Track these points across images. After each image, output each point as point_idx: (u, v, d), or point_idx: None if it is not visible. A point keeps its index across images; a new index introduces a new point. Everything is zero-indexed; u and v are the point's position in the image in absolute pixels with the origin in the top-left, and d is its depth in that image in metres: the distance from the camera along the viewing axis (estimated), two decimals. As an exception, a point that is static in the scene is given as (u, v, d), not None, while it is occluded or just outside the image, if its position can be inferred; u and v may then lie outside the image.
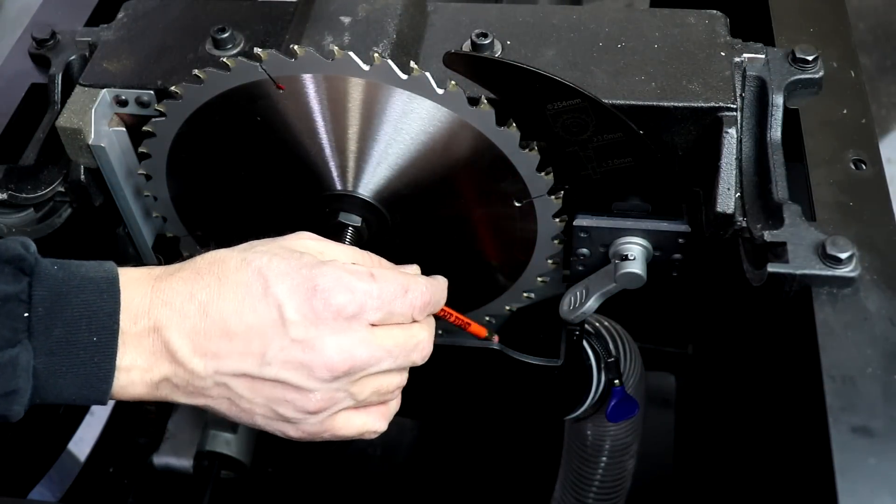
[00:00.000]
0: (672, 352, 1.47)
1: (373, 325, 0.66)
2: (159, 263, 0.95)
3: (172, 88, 0.76)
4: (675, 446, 1.42)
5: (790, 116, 0.80)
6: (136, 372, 0.63)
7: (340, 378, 0.66)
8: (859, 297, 0.68)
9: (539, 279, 0.86)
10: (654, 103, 0.76)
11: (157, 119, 0.78)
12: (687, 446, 1.37)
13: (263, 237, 0.87)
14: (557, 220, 0.80)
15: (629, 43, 0.81)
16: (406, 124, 0.74)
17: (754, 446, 0.91)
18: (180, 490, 1.26)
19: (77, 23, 0.97)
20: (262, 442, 1.31)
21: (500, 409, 1.04)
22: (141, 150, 0.81)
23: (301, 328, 0.63)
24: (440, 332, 0.95)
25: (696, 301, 1.30)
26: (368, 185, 0.79)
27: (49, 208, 0.89)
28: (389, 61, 0.71)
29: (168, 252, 0.95)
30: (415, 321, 0.70)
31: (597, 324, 1.05)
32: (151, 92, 0.82)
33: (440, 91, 0.71)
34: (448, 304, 0.92)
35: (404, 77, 0.71)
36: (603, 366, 1.01)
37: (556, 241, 0.82)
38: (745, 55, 0.81)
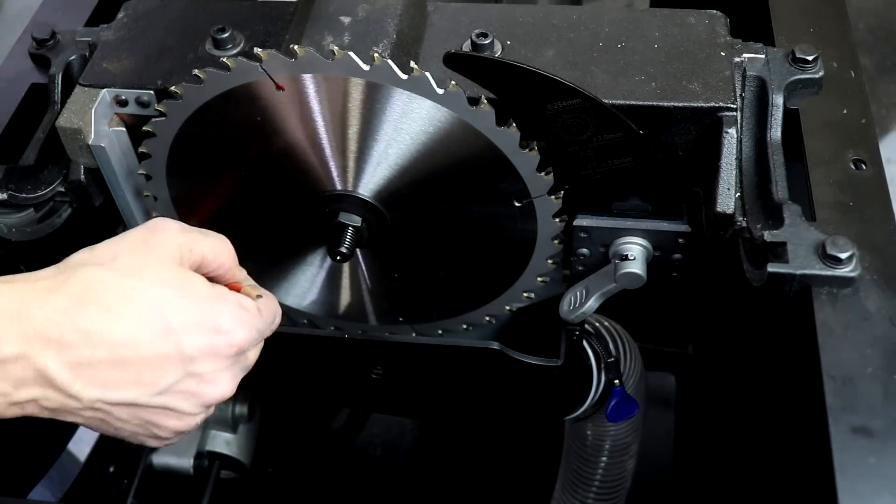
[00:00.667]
0: (672, 352, 1.48)
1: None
2: None
3: (172, 88, 0.76)
4: (675, 446, 1.42)
5: (790, 116, 0.80)
6: (9, 407, 0.61)
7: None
8: (859, 297, 0.68)
9: (539, 279, 0.86)
10: (654, 103, 0.76)
11: (157, 119, 0.78)
12: (687, 446, 1.37)
13: (263, 237, 0.88)
14: (557, 220, 0.80)
15: (629, 43, 0.81)
16: (406, 124, 0.74)
17: (754, 446, 0.91)
18: (180, 490, 1.26)
19: (77, 23, 0.97)
20: (262, 442, 1.32)
21: (500, 409, 1.04)
22: (141, 150, 0.81)
23: (200, 364, 0.64)
24: (440, 332, 0.95)
25: (696, 301, 1.30)
26: (368, 185, 0.79)
27: (49, 208, 0.89)
28: (389, 61, 0.71)
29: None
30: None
31: (597, 324, 1.05)
32: (151, 92, 0.82)
33: (440, 91, 0.71)
34: (448, 304, 0.92)
35: (404, 77, 0.71)
36: (603, 366, 1.01)
37: (556, 241, 0.82)
38: (745, 55, 0.81)
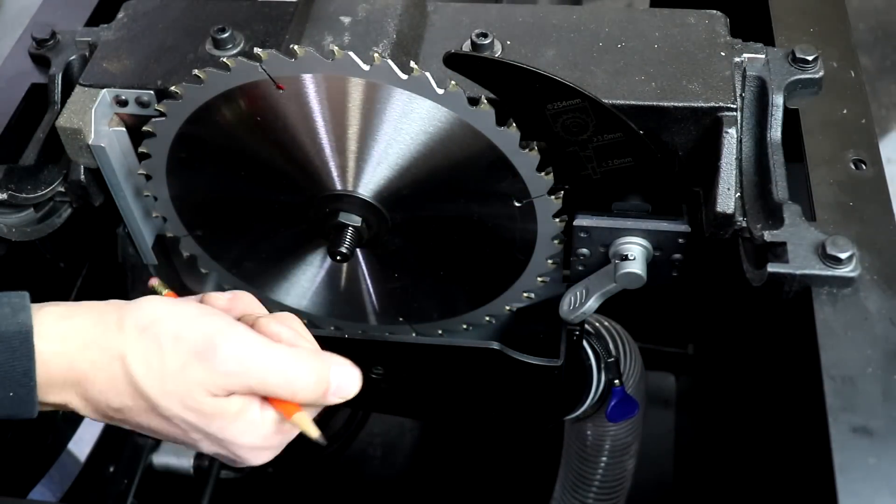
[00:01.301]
0: (672, 352, 1.48)
1: None
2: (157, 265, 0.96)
3: (172, 88, 0.76)
4: (675, 446, 1.42)
5: (790, 116, 0.80)
6: (48, 407, 0.65)
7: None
8: (859, 297, 0.68)
9: (539, 279, 0.86)
10: (654, 103, 0.76)
11: (157, 119, 0.78)
12: (687, 446, 1.37)
13: (263, 237, 0.88)
14: (557, 220, 0.80)
15: (629, 43, 0.81)
16: (406, 124, 0.74)
17: (754, 446, 0.91)
18: (180, 490, 1.26)
19: (77, 23, 0.97)
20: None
21: (501, 410, 1.04)
22: (141, 150, 0.81)
23: (216, 446, 0.66)
24: (440, 332, 0.95)
25: (696, 301, 1.30)
26: (368, 185, 0.79)
27: (49, 208, 0.89)
28: (389, 61, 0.71)
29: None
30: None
31: (597, 324, 1.05)
32: (151, 92, 0.81)
33: (440, 91, 0.71)
34: (448, 304, 0.92)
35: (404, 77, 0.71)
36: (603, 366, 1.01)
37: (556, 241, 0.82)
38: (745, 55, 0.81)
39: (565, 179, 0.79)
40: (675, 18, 0.83)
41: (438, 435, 1.52)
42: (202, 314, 0.65)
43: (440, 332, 0.95)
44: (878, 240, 0.71)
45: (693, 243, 0.82)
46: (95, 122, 0.82)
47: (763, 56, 0.82)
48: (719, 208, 0.75)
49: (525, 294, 0.88)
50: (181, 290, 1.01)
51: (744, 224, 0.75)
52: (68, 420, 1.10)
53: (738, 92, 0.79)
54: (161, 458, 1.24)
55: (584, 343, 1.00)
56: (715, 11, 0.84)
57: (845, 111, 0.81)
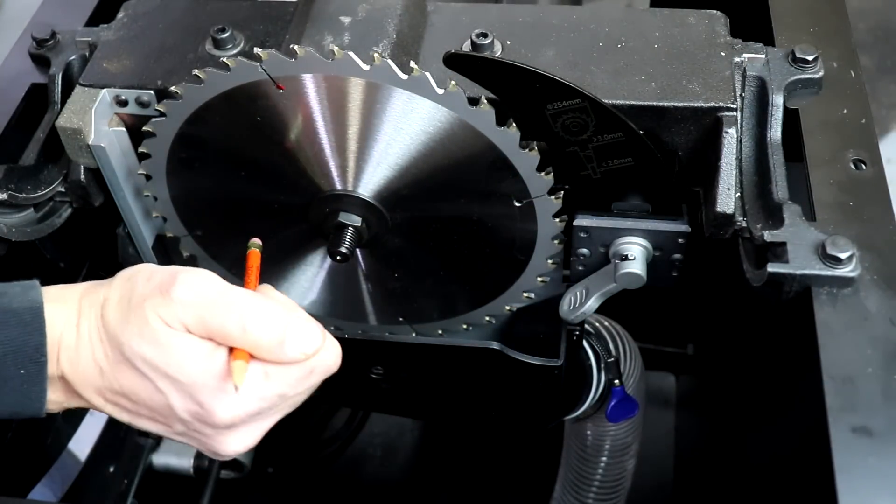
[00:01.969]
0: (672, 352, 1.48)
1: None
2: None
3: (172, 88, 0.76)
4: (675, 446, 1.43)
5: (790, 116, 0.80)
6: (51, 405, 0.65)
7: (252, 446, 0.68)
8: (859, 297, 0.68)
9: (539, 279, 0.86)
10: (654, 103, 0.76)
11: (157, 119, 0.78)
12: (687, 446, 1.37)
13: (263, 237, 0.87)
14: (557, 220, 0.80)
15: (629, 43, 0.81)
16: (406, 124, 0.74)
17: (754, 446, 0.91)
18: (180, 490, 1.26)
19: (77, 23, 0.97)
20: (262, 442, 1.31)
21: (501, 409, 1.04)
22: (141, 150, 0.81)
23: (196, 425, 0.64)
24: (440, 332, 0.95)
25: (696, 301, 1.30)
26: (368, 185, 0.79)
27: (49, 208, 0.89)
28: (389, 61, 0.71)
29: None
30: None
31: (597, 324, 1.05)
32: (151, 92, 0.81)
33: (440, 91, 0.71)
34: (448, 304, 0.92)
35: (404, 77, 0.71)
36: (603, 366, 1.01)
37: (556, 241, 0.82)
38: (745, 55, 0.81)
39: (565, 179, 0.79)
40: (675, 18, 0.83)
41: (438, 435, 1.52)
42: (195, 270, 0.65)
43: (440, 332, 0.95)
44: (878, 240, 0.71)
45: (693, 243, 0.82)
46: (95, 122, 0.82)
47: (763, 56, 0.82)
48: (719, 208, 0.75)
49: (525, 294, 0.88)
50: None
51: (744, 224, 0.75)
52: (68, 420, 1.10)
53: (738, 92, 0.79)
54: (161, 458, 1.24)
55: (584, 343, 1.00)
56: (715, 11, 0.84)
57: (845, 111, 0.81)
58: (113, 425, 1.20)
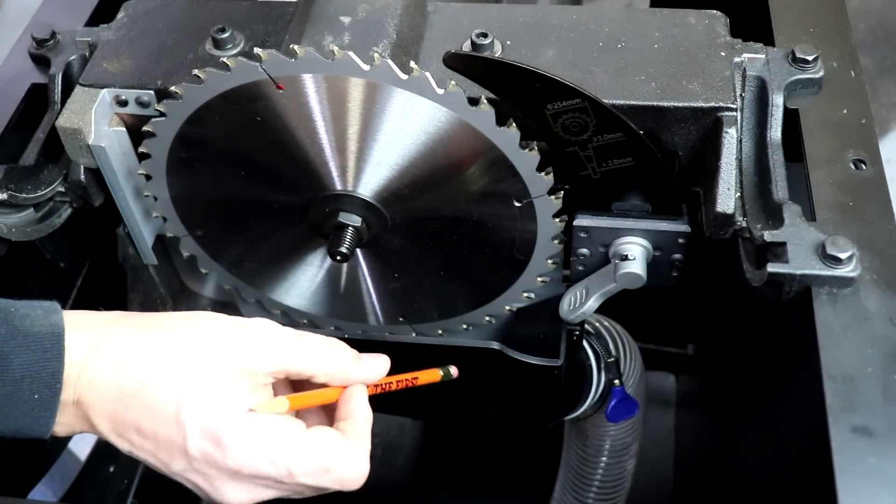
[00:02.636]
0: (672, 352, 1.48)
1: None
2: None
3: (172, 88, 0.76)
4: (675, 446, 1.42)
5: (790, 116, 0.80)
6: (59, 427, 0.64)
7: None
8: (859, 297, 0.68)
9: (539, 279, 0.86)
10: (654, 103, 0.76)
11: (157, 119, 0.78)
12: (687, 446, 1.37)
13: (263, 237, 0.88)
14: (557, 220, 0.80)
15: (629, 43, 0.81)
16: (406, 124, 0.74)
17: (754, 446, 0.91)
18: (180, 490, 1.26)
19: (77, 23, 0.97)
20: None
21: (500, 410, 1.03)
22: (141, 150, 0.81)
23: (201, 464, 0.63)
24: (440, 332, 0.95)
25: (696, 301, 1.30)
26: (368, 185, 0.79)
27: (49, 208, 0.89)
28: (389, 61, 0.71)
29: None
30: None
31: (597, 324, 1.05)
32: (151, 92, 0.81)
33: (440, 91, 0.71)
34: (448, 304, 0.92)
35: (404, 77, 0.71)
36: (603, 366, 1.01)
37: (556, 241, 0.82)
38: (745, 55, 0.81)
39: (565, 179, 0.79)
40: (675, 18, 0.83)
41: (438, 435, 1.52)
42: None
43: (440, 332, 0.95)
44: (878, 240, 0.71)
45: (693, 243, 0.82)
46: (95, 122, 0.82)
47: (763, 56, 0.82)
48: (719, 208, 0.75)
49: (525, 294, 0.89)
50: (180, 290, 1.01)
51: (744, 224, 0.75)
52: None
53: (738, 92, 0.79)
54: (161, 458, 1.24)
55: (584, 343, 1.00)
56: (715, 11, 0.84)
57: (845, 111, 0.81)
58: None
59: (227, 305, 1.00)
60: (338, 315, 0.95)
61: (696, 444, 1.31)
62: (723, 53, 0.79)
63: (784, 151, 0.78)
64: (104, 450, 1.17)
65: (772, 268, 0.68)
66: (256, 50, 0.72)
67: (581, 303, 0.85)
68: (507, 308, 0.91)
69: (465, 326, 0.93)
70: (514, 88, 0.74)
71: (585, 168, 0.78)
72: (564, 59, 0.80)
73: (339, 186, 0.79)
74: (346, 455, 0.66)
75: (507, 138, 0.74)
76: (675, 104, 0.76)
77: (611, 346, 1.04)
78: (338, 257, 0.79)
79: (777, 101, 0.80)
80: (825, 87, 0.82)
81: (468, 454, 1.48)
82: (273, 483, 0.65)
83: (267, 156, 0.79)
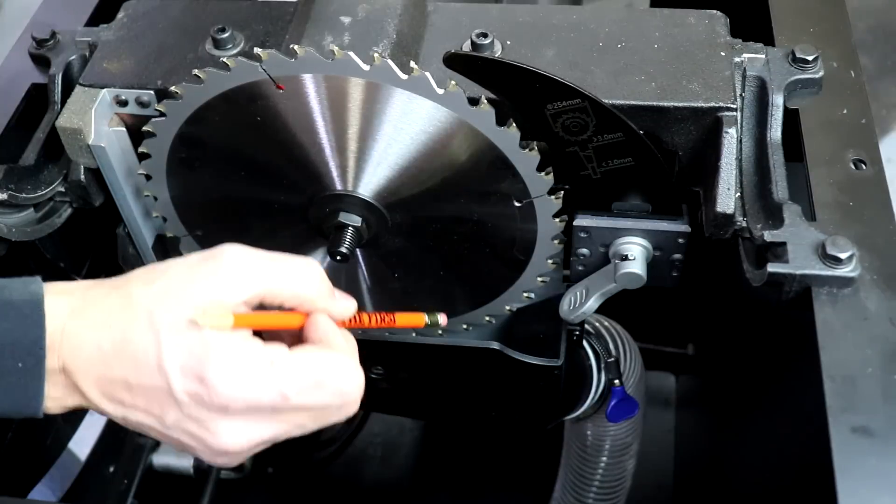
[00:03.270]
0: (672, 352, 1.48)
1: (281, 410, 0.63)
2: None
3: (172, 88, 0.76)
4: (675, 446, 1.43)
5: (790, 116, 0.80)
6: (49, 401, 0.63)
7: (245, 451, 0.64)
8: (859, 297, 0.68)
9: (539, 279, 0.86)
10: (654, 103, 0.76)
11: (157, 119, 0.78)
12: (687, 446, 1.37)
13: (263, 237, 0.87)
14: (557, 220, 0.80)
15: (629, 43, 0.81)
16: (406, 124, 0.74)
17: (754, 446, 0.91)
18: (180, 490, 1.26)
19: (77, 23, 0.97)
20: (262, 442, 1.31)
21: (500, 410, 1.04)
22: (141, 150, 0.81)
23: (191, 408, 0.61)
24: (440, 332, 0.95)
25: (696, 301, 1.30)
26: (368, 185, 0.79)
27: (49, 208, 0.89)
28: (389, 61, 0.71)
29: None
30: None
31: (597, 324, 1.05)
32: (151, 92, 0.82)
33: (440, 91, 0.71)
34: (448, 305, 0.92)
35: (404, 77, 0.71)
36: (603, 366, 1.01)
37: (556, 241, 0.82)
38: (745, 55, 0.81)
39: (565, 179, 0.79)
40: (675, 18, 0.83)
41: (438, 435, 1.52)
42: None
43: (440, 332, 0.95)
44: (878, 240, 0.71)
45: (693, 243, 0.82)
46: (95, 122, 0.82)
47: (763, 56, 0.82)
48: (719, 208, 0.75)
49: (525, 294, 0.88)
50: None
51: (744, 224, 0.75)
52: (68, 420, 1.10)
53: (738, 92, 0.79)
54: (161, 459, 1.24)
55: (584, 343, 1.00)
56: (715, 11, 0.84)
57: (845, 111, 0.81)
58: (113, 425, 1.20)
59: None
60: (338, 315, 0.95)
61: (696, 444, 1.31)
62: (723, 53, 0.79)
63: (784, 151, 0.78)
64: (104, 450, 1.17)
65: (772, 268, 0.68)
66: (256, 50, 0.72)
67: (581, 303, 0.85)
68: (507, 308, 0.91)
69: (465, 326, 0.93)
70: (514, 88, 0.74)
71: (585, 168, 0.78)
72: (564, 59, 0.80)
73: (339, 186, 0.79)
74: (337, 364, 0.64)
75: (507, 138, 0.74)
76: (675, 104, 0.76)
77: (611, 346, 1.04)
78: (338, 257, 0.79)
79: (777, 101, 0.80)
80: (825, 87, 0.82)
81: (468, 454, 1.48)
82: (269, 414, 0.62)
83: (267, 156, 0.79)
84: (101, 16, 0.99)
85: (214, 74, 0.74)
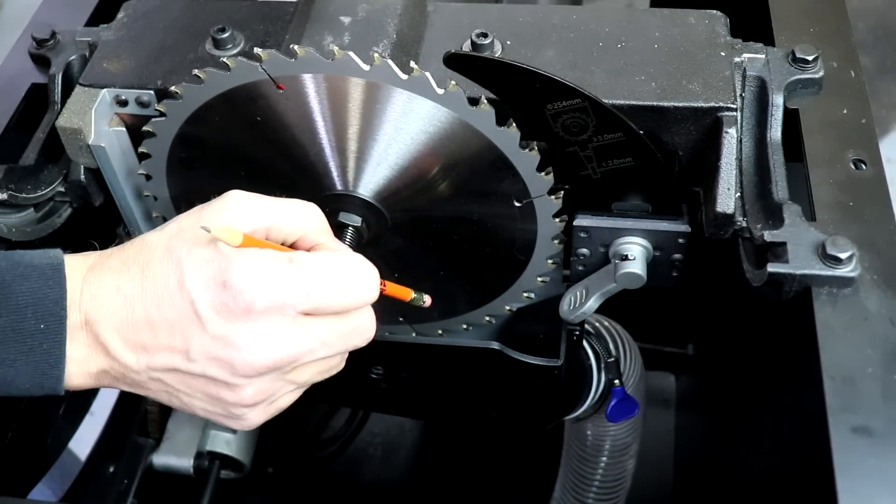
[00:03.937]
0: (672, 352, 1.48)
1: (303, 313, 0.63)
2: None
3: (172, 88, 0.76)
4: (675, 446, 1.43)
5: (790, 116, 0.80)
6: (72, 364, 0.63)
7: (269, 373, 0.64)
8: (859, 297, 0.68)
9: (539, 279, 0.86)
10: (654, 103, 0.76)
11: (157, 119, 0.78)
12: (687, 446, 1.37)
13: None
14: (557, 220, 0.80)
15: (629, 43, 0.81)
16: (406, 124, 0.74)
17: (754, 446, 0.91)
18: (180, 490, 1.26)
19: (77, 23, 0.97)
20: (262, 442, 1.32)
21: (500, 410, 1.04)
22: (141, 150, 0.81)
23: (216, 324, 0.61)
24: (440, 332, 0.95)
25: (696, 301, 1.30)
26: (368, 185, 0.79)
27: (49, 208, 0.89)
28: (389, 61, 0.71)
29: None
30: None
31: (597, 324, 1.05)
32: (151, 92, 0.82)
33: (440, 91, 0.71)
34: (448, 304, 0.92)
35: (404, 77, 0.71)
36: (603, 366, 1.01)
37: (556, 241, 0.82)
38: (745, 55, 0.81)
39: (565, 179, 0.79)
40: (675, 18, 0.83)
41: (438, 435, 1.52)
42: None
43: (440, 332, 0.95)
44: (878, 240, 0.71)
45: (693, 243, 0.82)
46: (95, 122, 0.82)
47: (763, 56, 0.82)
48: (719, 208, 0.75)
49: (525, 294, 0.89)
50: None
51: (744, 224, 0.75)
52: (68, 420, 1.10)
53: (738, 92, 0.79)
54: (161, 458, 1.24)
55: (584, 343, 1.00)
56: (715, 11, 0.84)
57: (845, 111, 0.81)
58: (113, 425, 1.20)
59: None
60: (338, 315, 0.95)
61: (696, 444, 1.31)
62: (723, 53, 0.80)
63: (784, 151, 0.78)
64: (104, 450, 1.17)
65: (772, 268, 0.68)
66: (256, 50, 0.72)
67: (581, 303, 0.85)
68: (507, 308, 0.91)
69: (465, 326, 0.93)
70: (514, 88, 0.74)
71: (585, 168, 0.78)
72: (564, 59, 0.80)
73: (339, 186, 0.79)
74: (353, 261, 0.66)
75: (507, 138, 0.74)
76: (675, 104, 0.76)
77: (611, 346, 1.04)
78: (338, 257, 0.79)
79: (777, 101, 0.80)
80: (825, 87, 0.82)
81: (468, 454, 1.48)
82: (292, 319, 0.62)
83: (267, 156, 0.79)
84: (101, 16, 0.99)
85: (214, 74, 0.74)
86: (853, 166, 0.76)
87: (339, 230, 0.80)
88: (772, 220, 0.73)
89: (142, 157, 0.82)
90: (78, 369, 0.63)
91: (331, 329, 0.65)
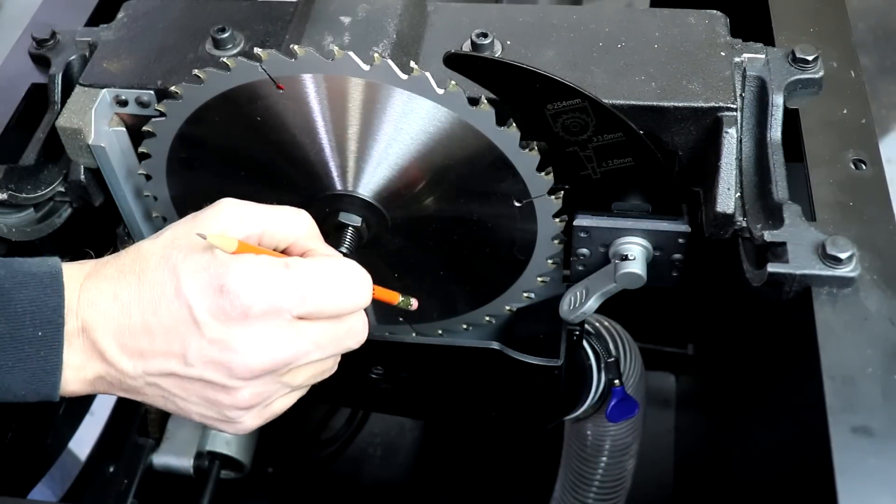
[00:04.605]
0: (672, 352, 1.48)
1: (298, 317, 0.64)
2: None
3: (172, 88, 0.76)
4: (675, 446, 1.43)
5: (790, 116, 0.80)
6: (69, 370, 0.63)
7: (265, 375, 0.65)
8: (859, 297, 0.68)
9: (539, 279, 0.86)
10: (654, 103, 0.76)
11: (157, 119, 0.78)
12: (687, 446, 1.37)
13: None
14: (557, 220, 0.80)
15: (629, 43, 0.81)
16: (406, 124, 0.74)
17: (754, 446, 0.91)
18: (180, 490, 1.26)
19: (77, 23, 0.97)
20: (262, 442, 1.32)
21: (500, 410, 1.04)
22: (141, 150, 0.81)
23: (214, 328, 0.62)
24: (440, 332, 0.95)
25: (696, 301, 1.30)
26: (368, 185, 0.79)
27: (49, 208, 0.89)
28: (389, 61, 0.71)
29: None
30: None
31: (597, 324, 1.05)
32: (151, 92, 0.82)
33: (440, 91, 0.71)
34: (448, 304, 0.92)
35: (404, 77, 0.71)
36: (603, 366, 1.01)
37: (556, 241, 0.82)
38: (745, 55, 0.81)
39: (565, 179, 0.79)
40: (675, 18, 0.83)
41: (438, 435, 1.52)
42: None
43: (440, 332, 0.95)
44: (878, 240, 0.71)
45: (693, 243, 0.82)
46: (95, 122, 0.82)
47: (763, 56, 0.82)
48: (719, 208, 0.75)
49: (525, 294, 0.89)
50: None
51: (744, 224, 0.75)
52: (68, 420, 1.10)
53: (738, 92, 0.79)
54: (161, 459, 1.24)
55: (584, 343, 1.00)
56: (715, 11, 0.84)
57: (845, 111, 0.81)
58: (113, 425, 1.20)
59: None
60: (338, 315, 0.95)
61: (696, 444, 1.31)
62: (723, 53, 0.80)
63: (784, 151, 0.78)
64: (104, 450, 1.17)
65: (772, 268, 0.68)
66: (256, 50, 0.72)
67: (581, 303, 0.85)
68: (507, 308, 0.91)
69: (465, 326, 0.93)
70: (514, 88, 0.74)
71: (585, 168, 0.78)
72: (564, 59, 0.80)
73: (339, 186, 0.79)
74: (346, 266, 0.67)
75: (507, 138, 0.74)
76: (675, 104, 0.76)
77: (611, 346, 1.04)
78: (338, 257, 0.79)
79: (777, 101, 0.80)
80: (825, 87, 0.82)
81: (468, 454, 1.48)
82: (287, 322, 0.63)
83: (267, 156, 0.79)
84: (101, 16, 0.99)
85: (214, 74, 0.74)
86: (853, 166, 0.76)
87: (338, 230, 0.80)
88: (772, 220, 0.73)
89: (142, 157, 0.82)
90: (74, 375, 0.64)
91: (325, 332, 0.66)
